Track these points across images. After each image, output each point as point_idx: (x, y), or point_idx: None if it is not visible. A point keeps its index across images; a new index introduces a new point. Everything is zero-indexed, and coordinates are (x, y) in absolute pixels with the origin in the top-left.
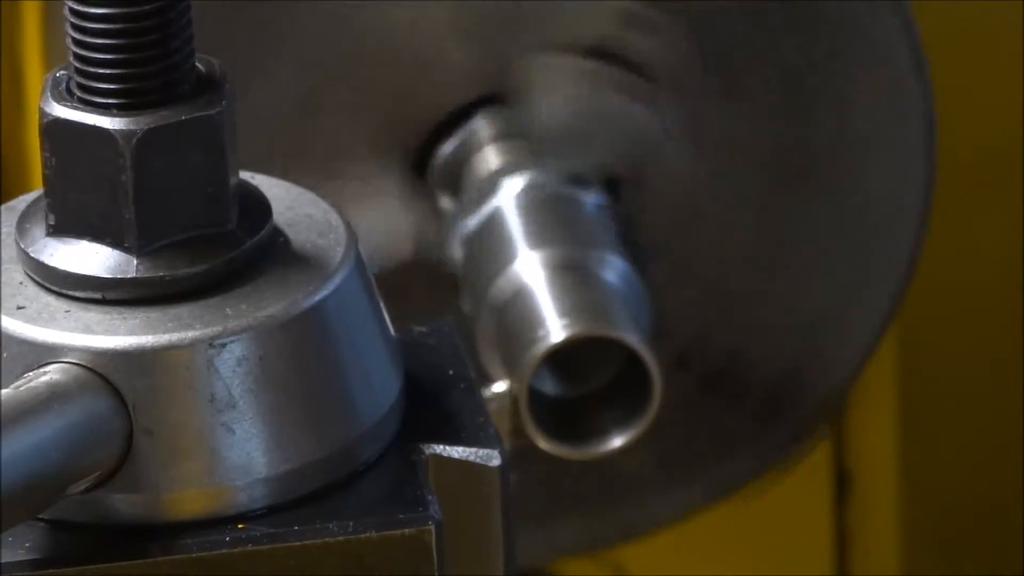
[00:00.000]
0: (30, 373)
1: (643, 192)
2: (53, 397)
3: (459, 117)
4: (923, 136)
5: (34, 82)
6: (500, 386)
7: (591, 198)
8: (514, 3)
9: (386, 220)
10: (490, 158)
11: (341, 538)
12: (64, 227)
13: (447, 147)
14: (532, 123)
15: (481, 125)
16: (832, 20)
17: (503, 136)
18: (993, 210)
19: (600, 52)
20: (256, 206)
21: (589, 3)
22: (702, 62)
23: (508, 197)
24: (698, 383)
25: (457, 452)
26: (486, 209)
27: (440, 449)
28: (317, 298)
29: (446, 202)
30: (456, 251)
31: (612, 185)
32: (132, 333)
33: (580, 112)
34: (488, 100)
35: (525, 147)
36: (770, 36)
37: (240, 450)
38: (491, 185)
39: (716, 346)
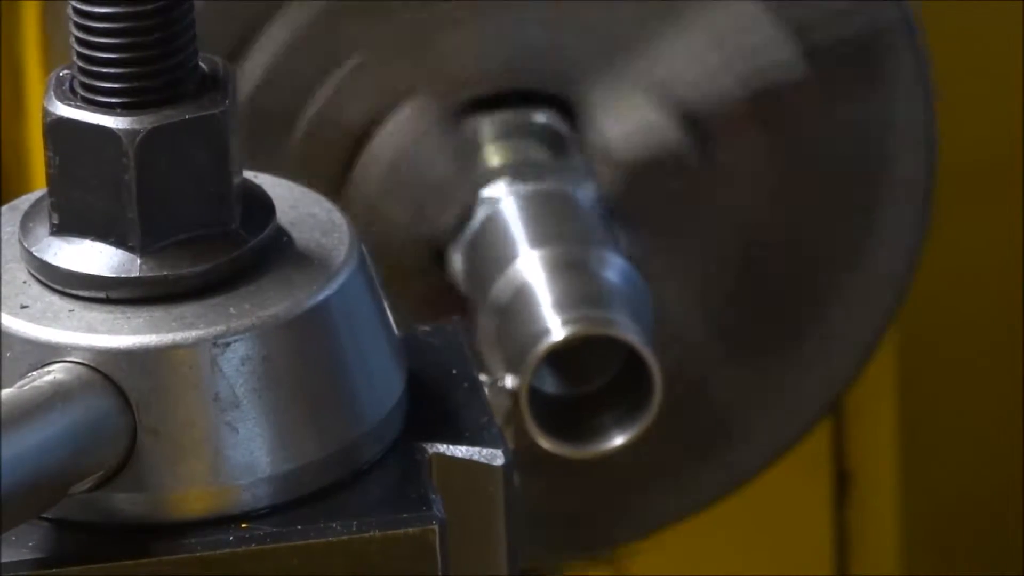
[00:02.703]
0: (34, 372)
1: None
2: (57, 396)
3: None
4: (923, 137)
5: (34, 82)
6: (511, 380)
7: (591, 196)
8: None
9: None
10: (490, 158)
11: (344, 537)
12: (68, 226)
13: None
14: None
15: (482, 124)
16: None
17: (503, 136)
18: (993, 210)
19: None
20: (259, 205)
21: None
22: None
23: (508, 196)
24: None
25: (461, 451)
26: (487, 208)
27: (444, 448)
28: (320, 297)
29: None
30: (457, 252)
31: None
32: (136, 332)
33: None
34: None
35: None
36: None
37: (244, 449)
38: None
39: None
